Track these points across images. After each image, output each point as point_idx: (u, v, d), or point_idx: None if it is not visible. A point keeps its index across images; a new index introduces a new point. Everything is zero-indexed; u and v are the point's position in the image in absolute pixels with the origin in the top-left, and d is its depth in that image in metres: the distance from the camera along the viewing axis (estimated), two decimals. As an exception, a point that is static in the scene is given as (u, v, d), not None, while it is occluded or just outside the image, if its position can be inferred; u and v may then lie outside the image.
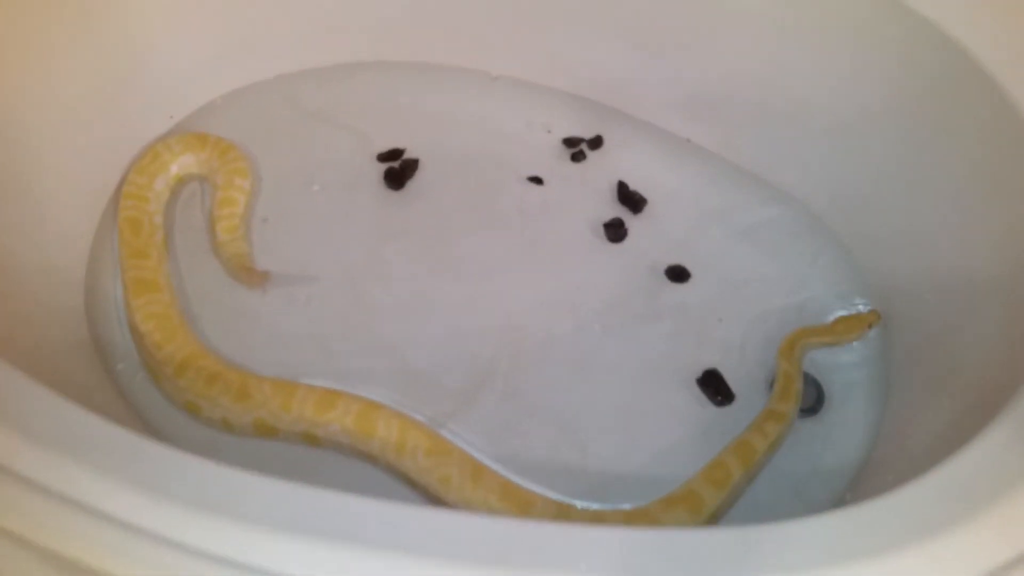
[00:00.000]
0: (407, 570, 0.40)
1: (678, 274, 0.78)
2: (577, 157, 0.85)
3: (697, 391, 0.71)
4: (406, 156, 0.85)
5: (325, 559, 0.40)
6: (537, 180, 0.83)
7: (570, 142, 0.87)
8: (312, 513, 0.42)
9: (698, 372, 0.72)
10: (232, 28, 0.85)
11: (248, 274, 0.74)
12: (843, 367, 0.73)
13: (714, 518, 0.62)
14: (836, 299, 0.77)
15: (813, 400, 0.71)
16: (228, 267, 0.75)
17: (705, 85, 0.82)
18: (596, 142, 0.87)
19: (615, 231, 0.80)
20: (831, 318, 0.75)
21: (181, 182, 0.81)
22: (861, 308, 0.76)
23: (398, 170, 0.83)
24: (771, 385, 0.70)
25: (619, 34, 0.84)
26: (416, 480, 0.62)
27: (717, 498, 0.62)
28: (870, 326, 0.73)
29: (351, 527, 0.41)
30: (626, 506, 0.63)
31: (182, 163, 0.80)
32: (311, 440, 0.65)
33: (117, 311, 0.72)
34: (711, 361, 0.73)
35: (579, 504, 0.63)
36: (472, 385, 0.70)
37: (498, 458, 0.65)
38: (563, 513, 0.62)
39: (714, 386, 0.71)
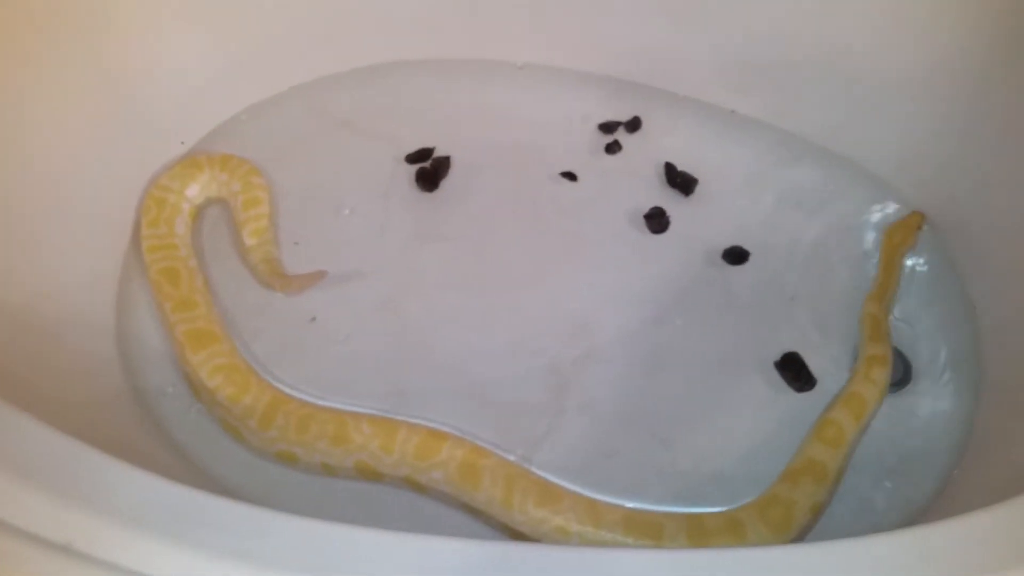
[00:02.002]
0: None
1: (737, 256, 0.73)
2: (612, 148, 0.80)
3: (777, 377, 0.67)
4: (436, 155, 0.80)
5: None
6: (571, 175, 0.79)
7: (607, 127, 0.82)
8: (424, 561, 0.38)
9: (777, 357, 0.67)
10: (239, 42, 0.80)
11: (281, 280, 0.70)
12: (928, 342, 0.69)
13: (837, 481, 0.61)
14: (920, 280, 0.72)
15: (901, 373, 0.67)
16: (257, 273, 0.71)
17: (750, 51, 0.77)
18: (634, 124, 0.82)
19: (657, 221, 0.75)
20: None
21: (199, 212, 0.76)
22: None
23: (430, 170, 0.79)
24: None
25: (647, 5, 0.79)
26: (530, 534, 0.58)
27: (837, 458, 0.60)
28: (919, 228, 0.72)
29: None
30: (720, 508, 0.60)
31: (190, 196, 0.75)
32: (416, 487, 0.61)
33: (159, 358, 0.68)
34: (789, 344, 0.68)
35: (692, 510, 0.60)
36: (549, 399, 0.66)
37: (598, 484, 0.61)
38: (696, 526, 0.57)
39: (793, 370, 0.67)
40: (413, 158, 0.80)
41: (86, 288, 0.68)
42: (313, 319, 0.70)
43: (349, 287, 0.72)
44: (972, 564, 0.38)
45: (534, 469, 0.62)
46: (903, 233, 0.72)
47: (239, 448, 0.63)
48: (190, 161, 0.76)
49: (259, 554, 0.38)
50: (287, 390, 0.65)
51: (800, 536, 0.58)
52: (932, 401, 0.66)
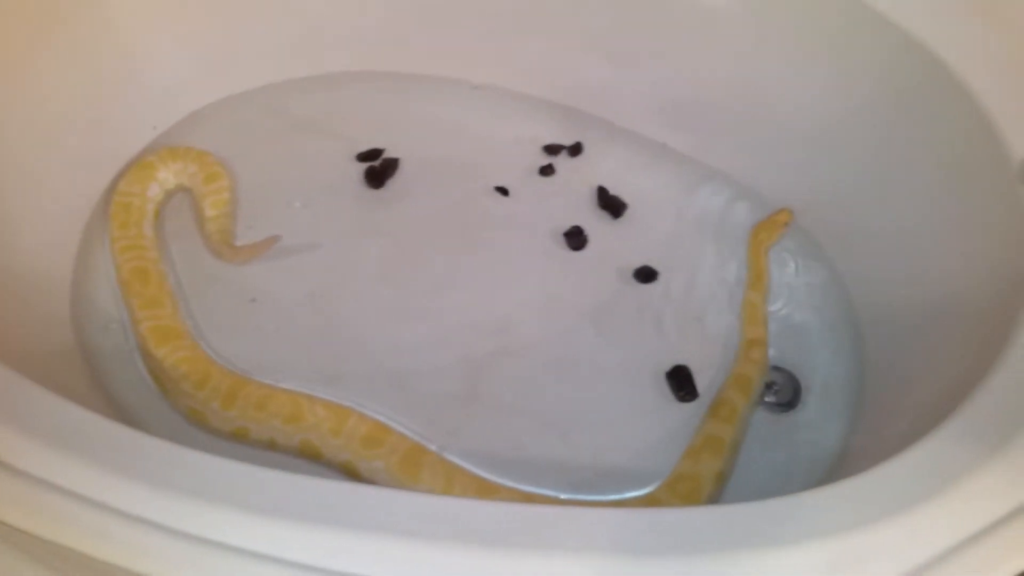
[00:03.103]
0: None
1: (646, 275, 0.79)
2: (546, 171, 0.86)
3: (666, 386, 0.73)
4: (386, 156, 0.86)
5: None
6: (504, 190, 0.85)
7: (551, 149, 0.88)
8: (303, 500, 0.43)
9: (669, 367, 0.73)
10: (216, 39, 0.87)
11: (230, 250, 0.76)
12: (820, 364, 0.75)
13: (735, 452, 0.67)
14: (810, 298, 0.79)
15: (791, 395, 0.73)
16: (211, 243, 0.77)
17: (680, 92, 0.84)
18: (576, 148, 0.88)
19: (576, 239, 0.81)
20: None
21: (162, 206, 0.81)
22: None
23: (378, 169, 0.85)
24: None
25: (596, 44, 0.86)
26: None
27: (732, 431, 0.67)
28: (786, 224, 0.79)
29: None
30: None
31: (151, 196, 0.79)
32: (352, 474, 0.65)
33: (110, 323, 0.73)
34: (687, 358, 0.74)
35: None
36: (464, 391, 0.71)
37: (505, 473, 0.66)
38: None
39: (679, 381, 0.72)
40: (364, 156, 0.86)
41: (48, 250, 0.74)
42: (253, 300, 0.75)
43: (290, 273, 0.77)
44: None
45: (448, 456, 0.66)
46: (769, 231, 0.80)
47: (169, 411, 0.68)
48: (141, 164, 0.80)
49: (163, 479, 0.43)
50: (223, 363, 0.70)
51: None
52: (816, 423, 0.71)
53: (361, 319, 0.75)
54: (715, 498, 0.65)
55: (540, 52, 0.89)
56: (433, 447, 0.67)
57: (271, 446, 0.66)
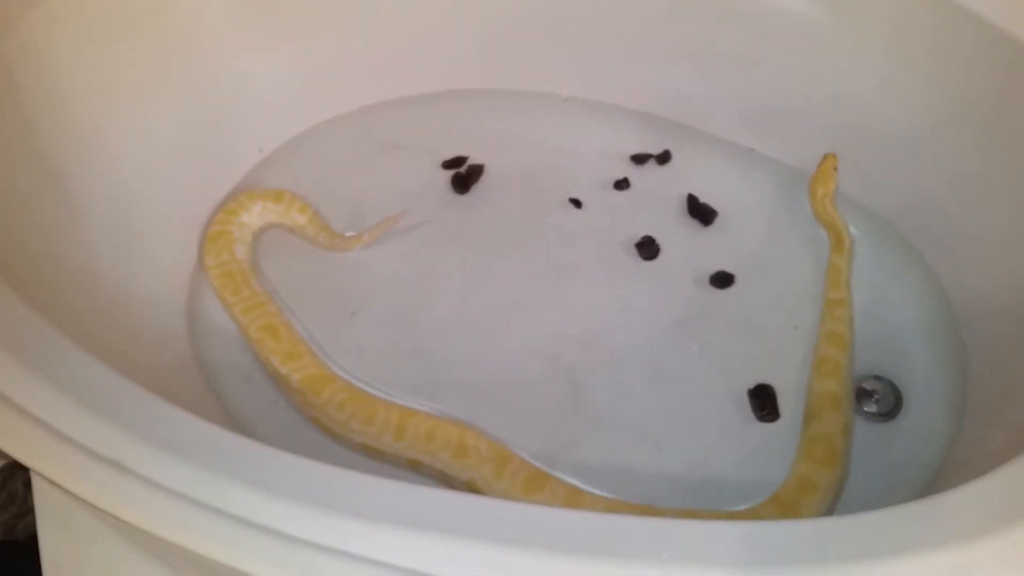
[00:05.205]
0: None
1: (723, 280, 0.79)
2: (621, 185, 0.87)
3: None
4: (471, 162, 0.89)
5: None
6: (576, 203, 0.85)
7: (638, 158, 0.89)
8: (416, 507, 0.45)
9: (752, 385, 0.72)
10: (312, 65, 0.91)
11: (345, 239, 0.81)
12: (920, 373, 0.73)
13: (850, 404, 0.69)
14: (909, 306, 0.76)
15: (891, 405, 0.71)
16: (323, 240, 0.82)
17: (770, 98, 0.83)
18: (664, 157, 0.88)
19: (646, 249, 0.81)
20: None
21: (255, 251, 0.83)
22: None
23: (464, 174, 0.87)
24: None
25: (684, 53, 0.86)
26: None
27: (842, 383, 0.69)
28: (835, 168, 0.79)
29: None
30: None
31: (241, 256, 0.80)
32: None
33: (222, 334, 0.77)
34: (776, 367, 0.73)
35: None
36: (569, 405, 0.72)
37: (613, 487, 0.66)
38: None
39: (760, 400, 0.71)
40: (449, 164, 0.89)
41: (165, 271, 0.78)
42: (354, 314, 0.78)
43: (383, 283, 0.80)
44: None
45: (561, 473, 0.67)
46: (823, 181, 0.79)
47: (284, 415, 0.72)
48: (216, 234, 0.81)
49: (275, 486, 0.45)
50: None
51: (847, 461, 0.66)
52: (918, 432, 0.69)
53: (452, 330, 0.77)
54: (849, 454, 0.66)
55: (627, 63, 0.90)
56: (552, 469, 0.67)
57: (414, 466, 0.68)
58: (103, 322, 0.67)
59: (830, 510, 0.64)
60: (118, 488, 0.45)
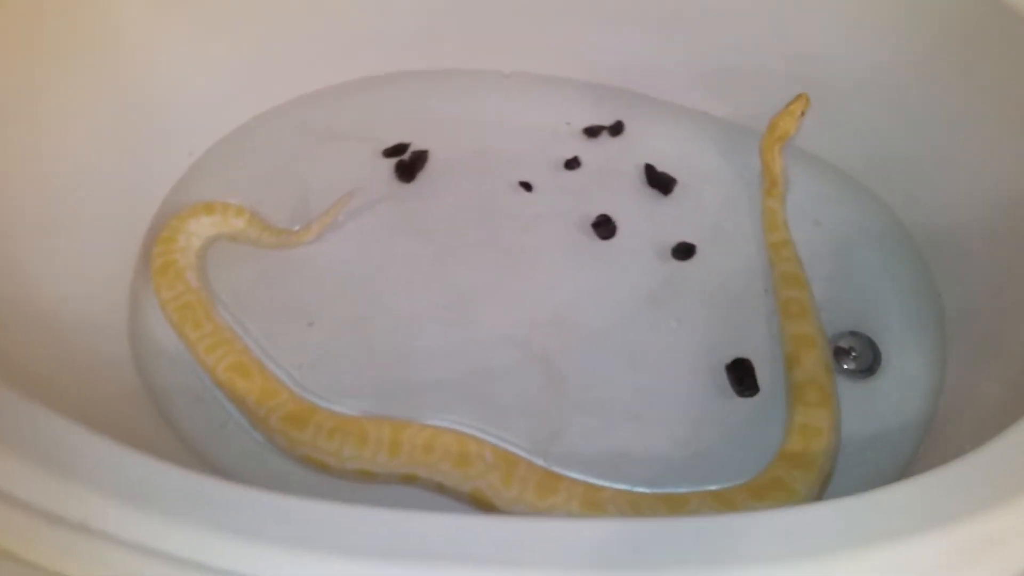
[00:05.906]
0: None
1: (684, 252, 0.77)
2: (571, 165, 0.84)
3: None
4: (414, 148, 0.84)
5: None
6: (526, 186, 0.82)
7: (590, 131, 0.86)
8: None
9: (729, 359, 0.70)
10: (243, 57, 0.85)
11: (292, 234, 0.78)
12: (895, 324, 0.72)
13: (825, 338, 0.70)
14: (883, 261, 0.76)
15: (871, 360, 0.71)
16: (269, 239, 0.78)
17: (720, 58, 0.81)
18: (617, 128, 0.86)
19: (603, 229, 0.78)
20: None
21: (203, 269, 0.79)
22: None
23: (408, 162, 0.83)
24: None
25: (630, 16, 0.83)
26: None
27: (813, 323, 0.70)
28: (802, 113, 0.76)
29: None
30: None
31: (195, 286, 0.75)
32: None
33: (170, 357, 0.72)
34: (748, 337, 0.72)
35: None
36: (549, 392, 0.69)
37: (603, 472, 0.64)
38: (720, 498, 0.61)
39: (738, 374, 0.69)
40: (390, 152, 0.84)
41: (100, 291, 0.73)
42: (311, 324, 0.74)
43: (336, 285, 0.76)
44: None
45: (546, 463, 0.64)
46: (785, 122, 0.76)
47: (242, 439, 0.67)
48: (162, 266, 0.76)
49: (255, 531, 0.42)
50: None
51: (837, 397, 0.66)
52: (901, 387, 0.69)
53: (415, 327, 0.73)
54: (836, 396, 0.66)
55: (571, 31, 0.86)
56: (539, 460, 0.64)
57: (367, 477, 0.64)
58: (35, 355, 0.61)
59: (837, 450, 0.63)
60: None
